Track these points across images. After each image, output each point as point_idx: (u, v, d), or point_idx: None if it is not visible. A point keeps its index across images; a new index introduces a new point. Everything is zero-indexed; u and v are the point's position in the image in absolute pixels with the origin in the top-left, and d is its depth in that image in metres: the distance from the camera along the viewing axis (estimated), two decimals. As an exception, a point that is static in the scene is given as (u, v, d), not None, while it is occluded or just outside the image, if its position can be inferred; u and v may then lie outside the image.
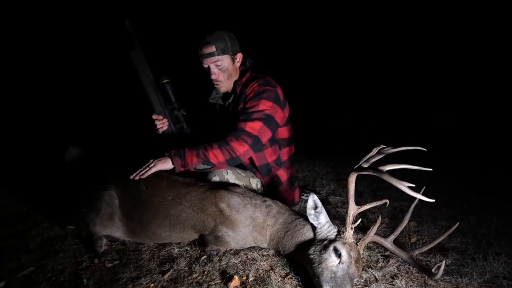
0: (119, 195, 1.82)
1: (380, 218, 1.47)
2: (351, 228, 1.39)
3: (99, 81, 6.54)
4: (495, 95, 6.77)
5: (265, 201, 1.71)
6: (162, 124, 2.11)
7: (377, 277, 1.44)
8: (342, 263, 1.31)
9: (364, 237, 1.44)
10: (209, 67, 2.07)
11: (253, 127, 1.91)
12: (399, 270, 1.50)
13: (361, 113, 7.84)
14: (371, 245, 1.77)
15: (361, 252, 1.43)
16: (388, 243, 1.46)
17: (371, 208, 1.93)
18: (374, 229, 1.43)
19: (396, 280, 1.40)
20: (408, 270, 1.50)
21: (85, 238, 1.80)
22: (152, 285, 1.40)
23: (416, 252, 1.45)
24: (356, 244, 1.40)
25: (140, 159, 1.94)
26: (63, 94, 6.50)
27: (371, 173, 1.34)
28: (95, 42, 6.24)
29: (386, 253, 1.66)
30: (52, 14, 6.25)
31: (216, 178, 1.95)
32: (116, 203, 1.81)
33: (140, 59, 2.03)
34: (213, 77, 2.08)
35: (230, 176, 2.00)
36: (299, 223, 1.59)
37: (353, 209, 1.40)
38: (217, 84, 2.14)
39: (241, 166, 2.16)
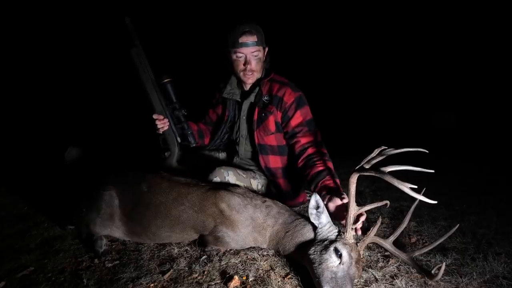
0: (119, 195, 1.82)
1: (380, 219, 1.47)
2: (352, 228, 1.39)
3: (98, 80, 6.51)
4: (495, 95, 6.76)
5: (265, 201, 1.71)
6: (162, 124, 2.08)
7: (377, 277, 1.44)
8: (343, 264, 1.31)
9: (364, 238, 1.44)
10: (245, 56, 2.04)
11: (319, 134, 2.06)
12: (399, 270, 1.50)
13: (361, 113, 7.84)
14: (371, 245, 1.77)
15: (361, 252, 1.43)
16: (387, 244, 1.46)
17: (371, 208, 1.93)
18: (374, 229, 1.43)
19: (396, 280, 1.40)
20: (408, 270, 1.50)
21: (85, 238, 1.80)
22: (152, 285, 1.40)
23: (416, 253, 1.45)
24: (356, 244, 1.40)
25: (140, 159, 1.94)
26: (63, 94, 6.49)
27: (373, 174, 1.34)
28: (95, 39, 6.19)
29: (386, 253, 1.66)
30: (50, 11, 6.18)
31: (217, 179, 1.95)
32: (116, 203, 1.81)
33: (141, 57, 2.00)
34: (248, 66, 2.06)
35: (231, 177, 2.00)
36: (299, 223, 1.58)
37: (354, 210, 1.40)
38: (249, 74, 2.10)
39: (242, 167, 2.16)
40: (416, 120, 7.10)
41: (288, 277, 1.44)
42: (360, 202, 1.48)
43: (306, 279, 1.41)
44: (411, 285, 1.38)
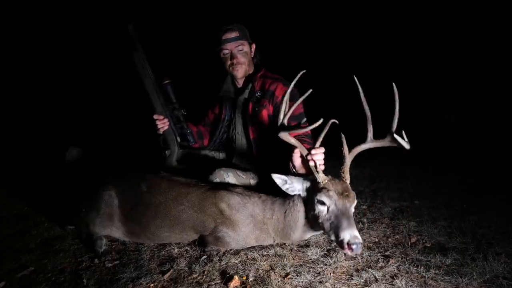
0: (118, 196, 1.82)
1: (343, 136, 1.54)
2: (318, 172, 1.52)
3: (100, 81, 6.55)
4: (495, 95, 6.76)
5: (261, 197, 1.74)
6: (163, 124, 2.14)
7: (377, 277, 1.44)
8: (330, 207, 1.46)
9: (344, 161, 1.54)
10: (230, 52, 2.18)
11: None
12: (399, 270, 1.50)
13: (361, 113, 7.82)
14: (371, 245, 1.77)
15: (347, 177, 1.54)
16: (367, 144, 1.55)
17: (371, 208, 1.94)
18: (345, 148, 1.54)
19: (396, 280, 1.40)
20: (408, 270, 1.50)
21: (85, 238, 1.81)
22: (152, 285, 1.40)
23: (394, 127, 1.51)
24: (334, 178, 1.52)
25: (140, 159, 1.94)
26: (63, 94, 6.51)
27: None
28: (98, 43, 6.28)
29: (386, 253, 1.66)
30: (58, 17, 6.36)
31: (217, 181, 1.95)
32: (116, 204, 1.81)
33: (142, 61, 2.07)
34: (235, 60, 2.18)
35: (231, 178, 2.00)
36: (292, 200, 1.65)
37: (305, 153, 1.57)
38: (237, 67, 2.21)
39: (241, 168, 2.16)
40: (416, 120, 7.09)
41: (288, 277, 1.44)
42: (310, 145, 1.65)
43: (306, 279, 1.42)
44: (411, 285, 1.38)
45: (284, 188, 1.60)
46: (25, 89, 6.47)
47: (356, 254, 1.38)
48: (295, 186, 1.60)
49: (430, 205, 2.45)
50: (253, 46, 2.29)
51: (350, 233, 1.35)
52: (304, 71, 1.64)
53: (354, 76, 1.55)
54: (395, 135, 1.49)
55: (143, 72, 2.08)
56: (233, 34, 2.16)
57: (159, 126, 2.14)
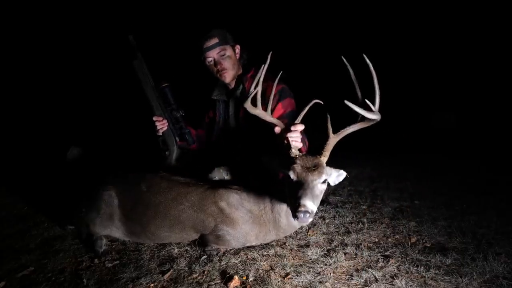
0: (118, 195, 1.83)
1: (328, 116, 1.57)
2: (292, 148, 1.59)
3: (101, 83, 6.61)
4: (495, 95, 6.76)
5: (255, 190, 1.76)
6: (162, 125, 2.18)
7: (377, 277, 1.44)
8: (294, 178, 1.51)
9: (327, 140, 1.58)
10: (213, 59, 2.20)
11: None
12: (399, 270, 1.50)
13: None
14: (371, 245, 1.77)
15: (325, 153, 1.59)
16: (357, 125, 1.59)
17: (371, 208, 1.94)
18: (329, 127, 1.57)
19: (396, 280, 1.40)
20: (408, 270, 1.50)
21: (85, 238, 1.81)
22: (152, 285, 1.40)
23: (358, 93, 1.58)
24: (306, 155, 1.56)
25: (139, 159, 1.95)
26: (64, 96, 6.55)
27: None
28: (101, 49, 6.43)
29: (386, 253, 1.66)
30: (62, 21, 6.60)
31: (215, 179, 1.96)
32: (116, 204, 1.81)
33: (142, 68, 2.16)
34: (219, 67, 2.20)
35: (229, 176, 2.01)
36: (274, 184, 1.72)
37: (281, 129, 1.65)
38: (224, 73, 2.22)
39: (239, 166, 2.17)
40: (416, 120, 7.09)
41: (288, 277, 1.44)
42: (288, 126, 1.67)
43: (306, 279, 1.42)
44: (411, 285, 1.38)
45: (270, 168, 1.67)
46: (27, 90, 6.50)
47: (304, 222, 1.43)
48: (277, 166, 1.66)
49: (430, 205, 2.45)
50: (237, 47, 2.29)
51: (299, 201, 1.39)
52: (271, 52, 1.67)
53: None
54: (346, 101, 1.50)
55: (143, 78, 2.16)
56: (213, 41, 2.17)
57: (158, 127, 2.17)
